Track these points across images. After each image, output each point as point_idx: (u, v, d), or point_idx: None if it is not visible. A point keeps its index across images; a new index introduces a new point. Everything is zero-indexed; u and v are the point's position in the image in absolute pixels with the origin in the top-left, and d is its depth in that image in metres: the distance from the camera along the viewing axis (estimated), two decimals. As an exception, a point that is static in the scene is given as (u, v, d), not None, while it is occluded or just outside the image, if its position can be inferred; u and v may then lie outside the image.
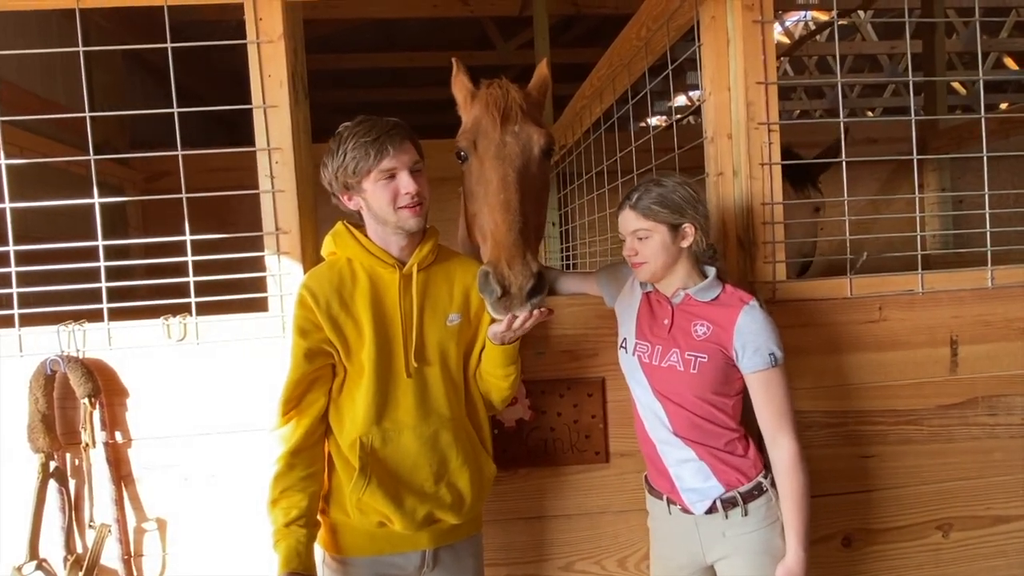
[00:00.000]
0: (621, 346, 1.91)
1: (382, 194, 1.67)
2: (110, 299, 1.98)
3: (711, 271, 1.80)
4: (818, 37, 8.90)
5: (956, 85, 10.00)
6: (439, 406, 1.74)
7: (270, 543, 1.65)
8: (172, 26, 2.00)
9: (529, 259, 1.63)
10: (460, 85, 1.90)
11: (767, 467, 1.78)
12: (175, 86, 1.99)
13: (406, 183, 1.66)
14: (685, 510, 1.80)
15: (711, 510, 1.76)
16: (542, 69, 1.94)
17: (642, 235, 1.77)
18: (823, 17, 9.07)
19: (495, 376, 1.80)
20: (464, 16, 6.66)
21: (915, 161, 2.24)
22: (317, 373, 1.70)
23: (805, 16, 9.45)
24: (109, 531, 1.91)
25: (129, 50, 4.83)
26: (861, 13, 8.65)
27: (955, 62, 9.38)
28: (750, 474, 1.76)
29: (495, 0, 6.12)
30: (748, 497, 1.75)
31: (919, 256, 2.18)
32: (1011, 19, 8.67)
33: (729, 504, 1.75)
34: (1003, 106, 9.78)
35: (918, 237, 2.21)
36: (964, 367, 2.19)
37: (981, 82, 2.38)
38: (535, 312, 1.64)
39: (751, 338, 1.71)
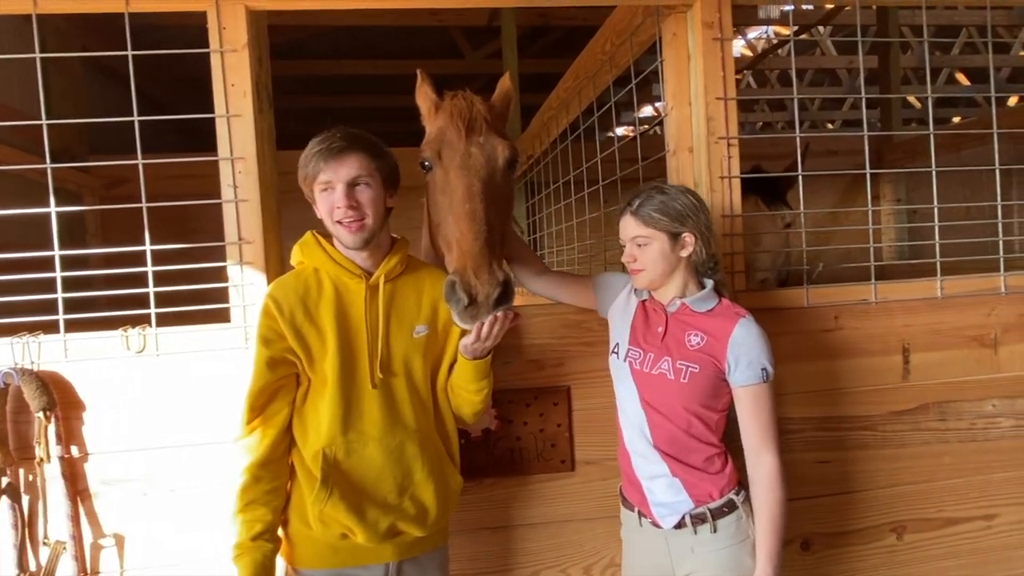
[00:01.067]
0: (613, 351, 1.90)
1: (322, 206, 1.69)
2: (69, 310, 1.94)
3: (709, 283, 1.80)
4: (780, 51, 9.14)
5: (912, 99, 10.34)
6: (405, 418, 1.73)
7: (230, 556, 1.63)
8: (132, 30, 1.97)
9: (495, 268, 1.63)
10: (424, 96, 1.90)
11: (741, 484, 1.78)
12: (136, 92, 1.96)
13: (337, 197, 1.66)
14: (655, 524, 1.79)
15: (680, 525, 1.75)
16: (505, 82, 1.95)
17: (641, 242, 1.77)
18: (785, 31, 9.32)
19: (468, 391, 1.80)
20: (433, 25, 6.68)
21: (868, 175, 2.32)
22: (280, 383, 1.69)
23: (767, 31, 9.69)
24: (64, 548, 1.86)
25: (86, 50, 4.75)
26: (821, 29, 8.90)
27: (910, 77, 9.70)
28: (724, 490, 1.75)
29: (464, 11, 6.15)
30: (718, 513, 1.74)
31: (872, 267, 2.25)
32: (961, 38, 9.01)
33: (698, 520, 1.74)
34: (955, 120, 10.15)
35: (871, 248, 2.28)
36: (916, 374, 2.27)
37: (930, 99, 2.48)
38: (499, 315, 1.63)
39: (745, 351, 1.70)
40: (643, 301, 1.88)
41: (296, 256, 1.77)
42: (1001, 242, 2.33)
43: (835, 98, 10.52)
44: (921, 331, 2.27)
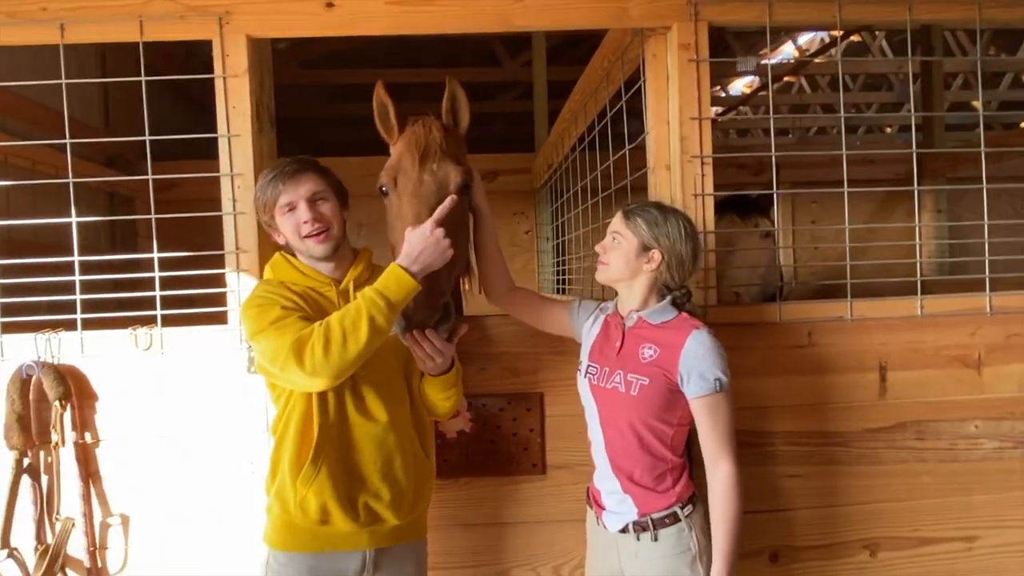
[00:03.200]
0: (578, 369, 1.98)
1: (288, 226, 1.83)
2: (91, 310, 2.16)
3: (667, 297, 1.85)
4: (832, 52, 8.91)
5: (976, 103, 9.88)
6: (382, 410, 1.83)
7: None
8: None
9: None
10: (388, 131, 1.93)
11: (694, 498, 1.83)
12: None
13: (301, 213, 1.80)
14: (605, 527, 1.88)
15: (624, 530, 1.83)
16: (462, 106, 2.00)
17: (616, 238, 1.85)
18: (837, 35, 9.06)
19: (437, 399, 1.95)
20: (473, 35, 6.83)
21: (846, 192, 2.32)
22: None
23: (817, 34, 9.43)
24: (73, 524, 2.08)
25: (146, 64, 5.11)
26: (876, 32, 8.63)
27: (970, 81, 9.27)
28: (671, 504, 1.80)
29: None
30: (660, 524, 1.79)
31: (848, 284, 2.25)
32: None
33: (639, 527, 1.80)
34: (1023, 124, 9.63)
35: (848, 265, 2.28)
36: (892, 392, 2.26)
37: (909, 115, 2.45)
38: (428, 332, 1.72)
39: (696, 363, 1.74)
40: (608, 316, 1.94)
41: (267, 275, 1.92)
42: (987, 261, 2.30)
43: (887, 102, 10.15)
44: (899, 349, 2.25)
